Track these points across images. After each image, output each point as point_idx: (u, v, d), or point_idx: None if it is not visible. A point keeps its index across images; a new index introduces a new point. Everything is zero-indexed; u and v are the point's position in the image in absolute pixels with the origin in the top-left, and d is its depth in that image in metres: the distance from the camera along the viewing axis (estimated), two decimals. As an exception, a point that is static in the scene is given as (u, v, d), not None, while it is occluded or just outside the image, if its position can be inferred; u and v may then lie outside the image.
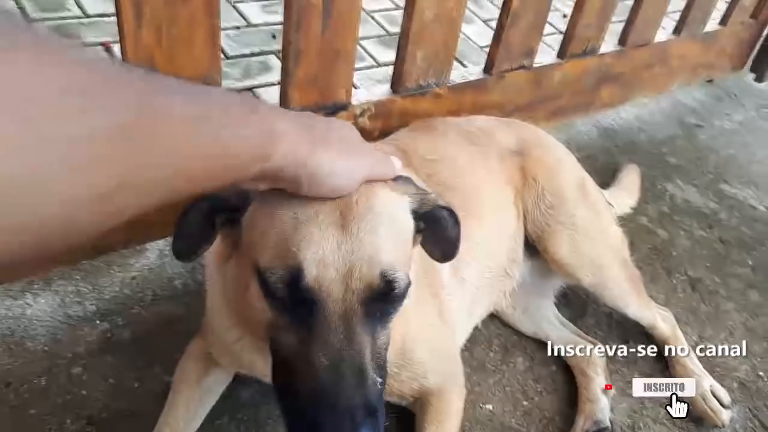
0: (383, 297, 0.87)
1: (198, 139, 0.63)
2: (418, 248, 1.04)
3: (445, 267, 1.38)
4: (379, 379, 0.88)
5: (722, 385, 1.59)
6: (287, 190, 0.83)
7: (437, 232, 1.03)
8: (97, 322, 1.51)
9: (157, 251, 1.70)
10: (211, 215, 0.92)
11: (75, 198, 0.51)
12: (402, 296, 0.90)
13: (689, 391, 1.44)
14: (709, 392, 1.55)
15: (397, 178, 0.97)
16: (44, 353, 1.42)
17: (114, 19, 1.28)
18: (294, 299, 0.85)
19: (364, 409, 0.81)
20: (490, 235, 1.52)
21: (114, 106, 0.52)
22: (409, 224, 0.97)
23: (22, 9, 2.56)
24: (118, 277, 1.62)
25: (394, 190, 0.94)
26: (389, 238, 0.89)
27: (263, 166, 0.73)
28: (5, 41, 0.45)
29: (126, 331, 1.50)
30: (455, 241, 1.05)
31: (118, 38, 1.28)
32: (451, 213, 1.02)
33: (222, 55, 2.55)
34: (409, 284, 0.91)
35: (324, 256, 0.83)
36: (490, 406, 1.49)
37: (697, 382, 1.55)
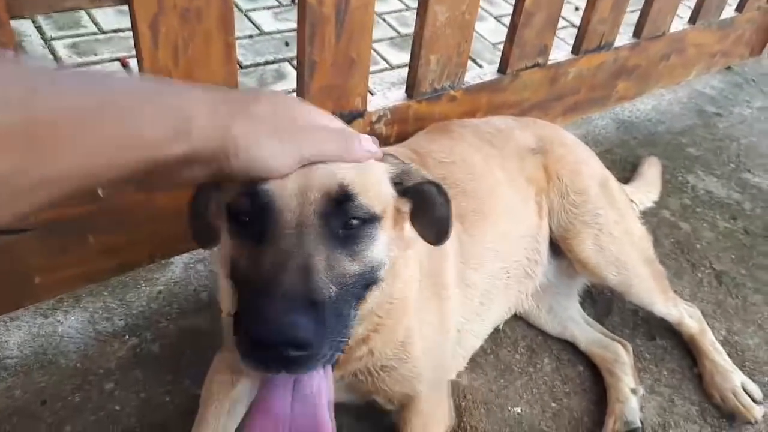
0: (341, 209, 0.86)
1: (101, 128, 0.63)
2: (423, 248, 1.03)
3: (451, 269, 1.37)
4: (348, 307, 0.87)
5: (753, 380, 1.58)
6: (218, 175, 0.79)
7: (427, 211, 1.01)
8: (126, 337, 1.53)
9: (181, 264, 1.73)
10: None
11: None
12: (365, 219, 0.88)
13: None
14: (741, 388, 1.53)
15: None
16: (76, 370, 1.45)
17: (129, 34, 1.30)
18: (253, 211, 0.85)
19: (304, 298, 0.79)
20: (505, 238, 1.51)
21: None
22: (384, 182, 0.95)
23: (39, 28, 2.61)
24: (145, 292, 1.64)
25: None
26: (354, 172, 0.88)
27: (184, 148, 0.70)
28: None
29: (154, 346, 1.52)
30: (446, 220, 1.01)
31: (133, 53, 1.31)
32: (440, 189, 0.99)
33: (236, 66, 2.56)
34: (375, 216, 0.90)
35: (286, 176, 0.84)
36: (518, 409, 1.48)
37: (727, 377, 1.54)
